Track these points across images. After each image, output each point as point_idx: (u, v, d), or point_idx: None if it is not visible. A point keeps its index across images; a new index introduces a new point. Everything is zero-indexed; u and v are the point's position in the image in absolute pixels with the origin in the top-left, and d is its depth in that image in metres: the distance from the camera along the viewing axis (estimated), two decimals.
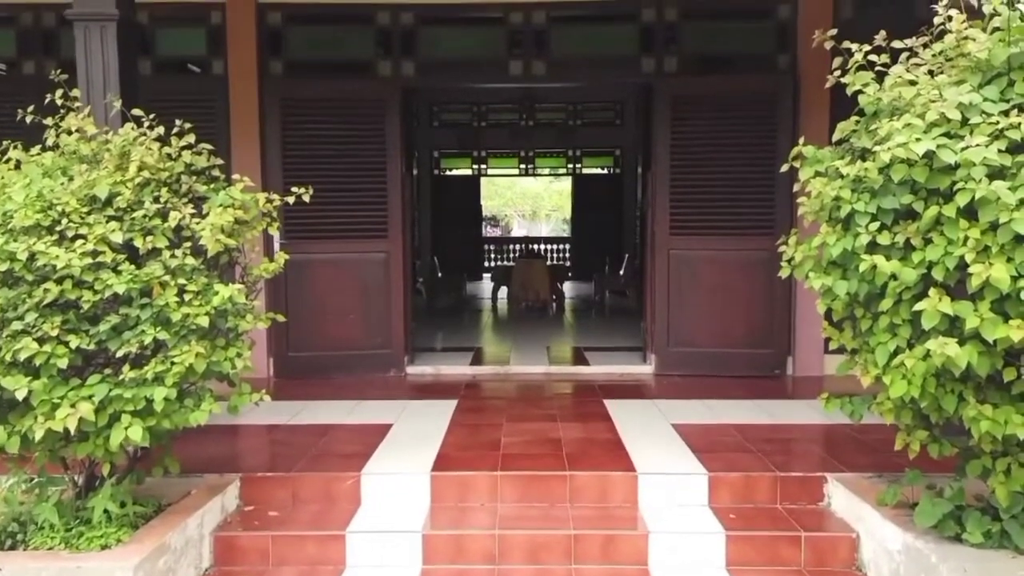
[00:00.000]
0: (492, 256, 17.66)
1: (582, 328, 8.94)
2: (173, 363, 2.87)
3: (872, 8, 5.80)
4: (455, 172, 16.70)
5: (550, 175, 17.28)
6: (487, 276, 14.77)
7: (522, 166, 16.71)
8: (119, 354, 2.90)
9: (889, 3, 5.64)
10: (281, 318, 3.70)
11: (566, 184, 18.92)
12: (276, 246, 5.86)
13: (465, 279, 11.50)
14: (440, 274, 11.46)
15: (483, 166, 16.63)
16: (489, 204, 20.26)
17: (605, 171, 16.62)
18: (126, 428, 2.81)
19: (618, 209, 16.25)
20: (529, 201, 30.22)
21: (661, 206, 6.00)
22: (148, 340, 2.88)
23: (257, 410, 4.99)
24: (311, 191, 3.56)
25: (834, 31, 3.00)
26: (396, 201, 6.02)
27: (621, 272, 11.40)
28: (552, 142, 16.39)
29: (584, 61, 6.13)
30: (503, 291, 11.06)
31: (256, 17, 5.96)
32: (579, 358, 6.72)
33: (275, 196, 3.47)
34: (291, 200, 3.47)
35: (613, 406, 4.98)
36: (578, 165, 16.55)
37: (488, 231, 23.81)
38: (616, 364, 6.33)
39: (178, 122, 3.35)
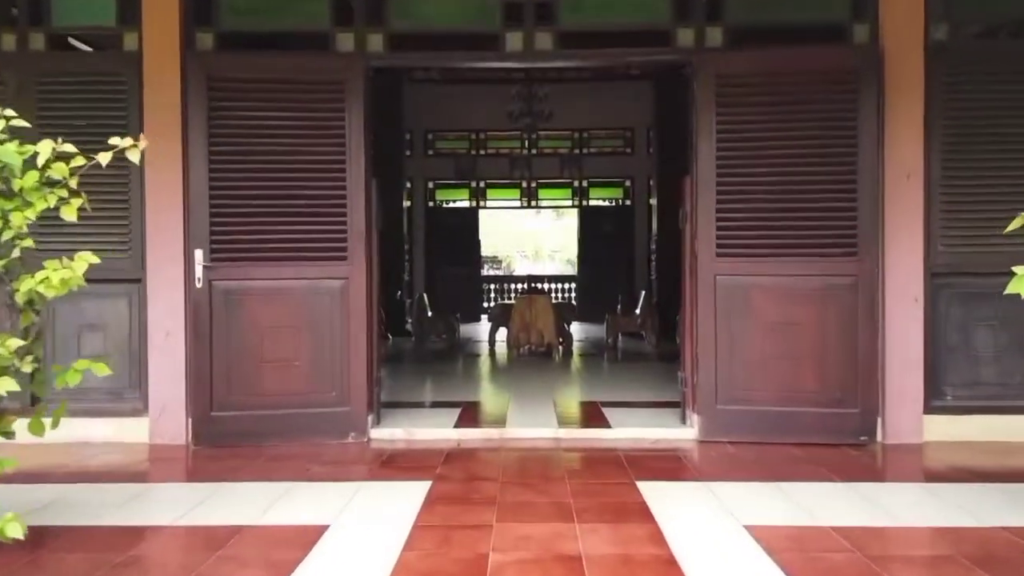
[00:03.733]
0: (492, 296, 16.26)
1: (595, 377, 7.45)
2: None
3: None
4: (452, 204, 15.40)
5: (554, 208, 15.94)
6: (486, 318, 13.34)
7: (524, 198, 15.41)
8: None
9: None
10: (102, 370, 2.23)
11: (569, 222, 17.64)
12: (198, 270, 4.44)
13: (458, 319, 10.05)
14: (430, 313, 10.02)
15: (482, 200, 15.33)
16: (489, 243, 18.96)
17: (614, 203, 15.31)
18: None
19: (628, 244, 14.91)
20: (530, 238, 28.97)
21: (705, 219, 4.58)
22: None
23: (147, 495, 3.53)
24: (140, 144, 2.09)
25: None
26: (358, 212, 4.61)
27: (637, 311, 9.96)
28: (556, 172, 15.13)
29: (602, 33, 4.79)
30: (502, 332, 9.60)
31: None
32: (596, 417, 5.22)
33: (71, 149, 2.03)
34: (105, 161, 2.01)
35: (652, 493, 3.49)
36: (585, 199, 15.25)
37: (488, 271, 22.48)
38: (645, 426, 4.83)
39: None
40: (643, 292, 10.18)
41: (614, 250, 14.98)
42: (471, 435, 4.73)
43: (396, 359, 8.92)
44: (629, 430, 4.74)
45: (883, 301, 4.52)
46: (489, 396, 6.30)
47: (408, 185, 14.68)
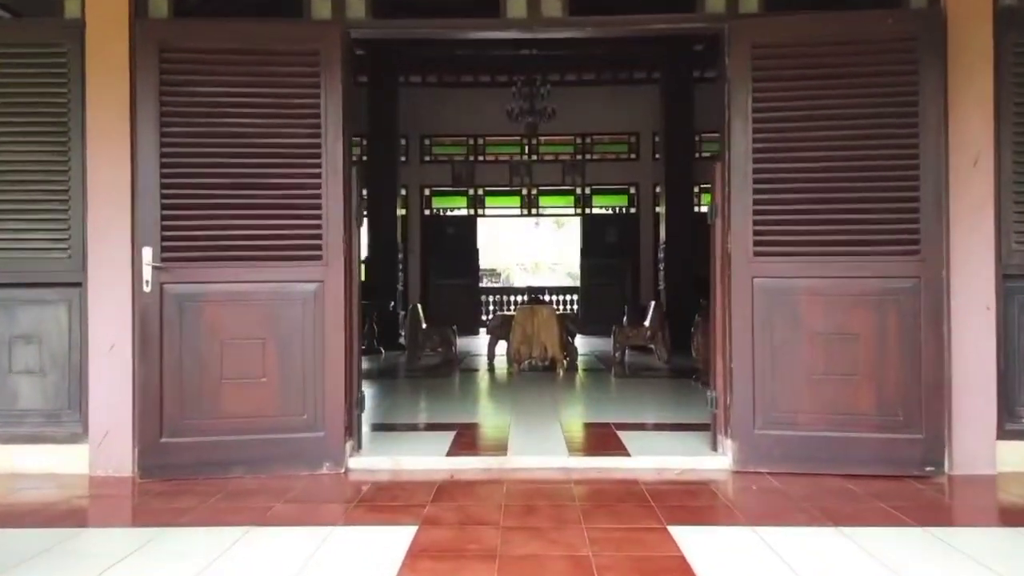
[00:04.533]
0: (490, 307, 15.60)
1: (604, 394, 6.77)
2: None
3: None
4: (449, 212, 14.77)
5: (555, 216, 15.32)
6: (484, 330, 12.64)
7: (524, 207, 14.79)
8: None
9: None
10: None
11: (568, 234, 17.01)
12: (146, 271, 3.77)
13: (454, 332, 9.37)
14: (425, 325, 9.34)
15: (480, 208, 14.71)
16: (488, 256, 18.31)
17: (618, 211, 14.68)
18: None
19: (633, 253, 14.28)
20: (529, 251, 28.34)
21: (739, 212, 3.93)
22: None
23: (70, 545, 2.86)
24: None
25: None
26: (335, 204, 3.95)
27: (646, 323, 9.29)
28: (558, 178, 14.51)
29: None
30: (502, 346, 8.91)
31: None
32: (610, 442, 4.53)
33: None
34: None
35: (690, 543, 2.81)
36: (588, 207, 14.62)
37: (486, 283, 21.79)
38: (670, 453, 4.15)
39: None
40: (652, 303, 9.51)
41: (618, 260, 14.34)
42: (467, 464, 4.04)
43: (387, 374, 8.24)
44: (651, 458, 4.06)
45: (948, 307, 3.86)
46: (488, 417, 5.62)
47: (403, 192, 14.06)
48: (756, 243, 3.91)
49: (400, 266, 11.72)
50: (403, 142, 14.08)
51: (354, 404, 4.11)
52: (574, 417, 5.51)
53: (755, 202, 3.91)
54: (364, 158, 12.91)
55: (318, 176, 3.93)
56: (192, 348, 3.87)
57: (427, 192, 14.63)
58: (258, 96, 3.90)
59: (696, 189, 12.44)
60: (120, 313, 3.92)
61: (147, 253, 3.83)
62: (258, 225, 3.90)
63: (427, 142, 14.54)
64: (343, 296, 3.96)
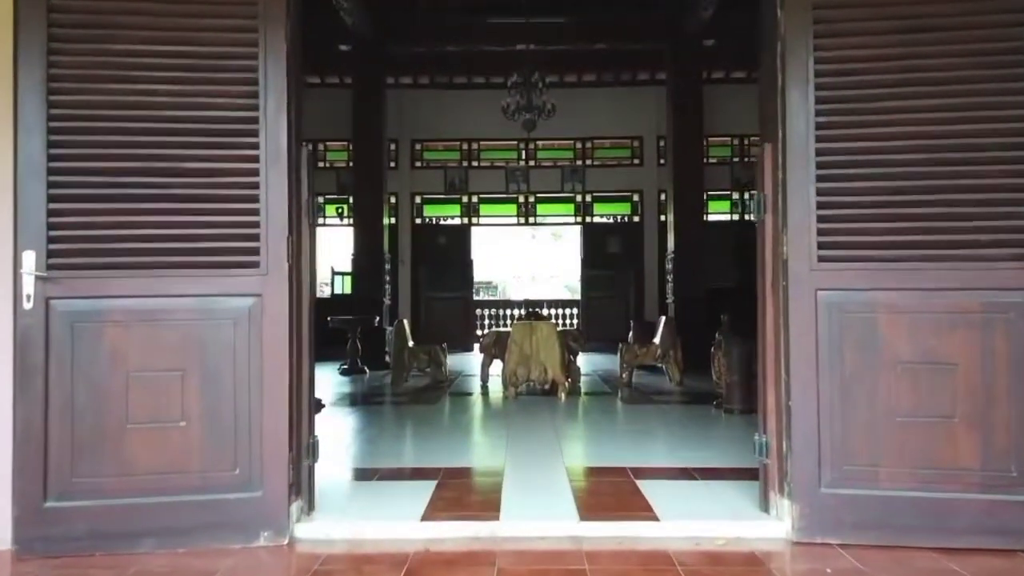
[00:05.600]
0: (485, 321, 14.70)
1: (613, 426, 5.86)
2: None
3: None
4: (441, 221, 13.92)
5: (553, 225, 14.46)
6: (478, 348, 11.71)
7: (521, 215, 13.94)
8: None
9: None
10: None
11: (567, 245, 16.16)
12: (27, 282, 2.87)
13: (444, 351, 8.46)
14: (412, 343, 8.44)
15: (474, 217, 13.85)
16: (482, 268, 17.45)
17: (621, 219, 13.83)
18: None
19: (637, 264, 13.41)
20: (525, 261, 27.48)
21: (798, 206, 3.04)
22: None
23: None
24: None
25: None
26: (278, 196, 3.06)
27: (656, 341, 8.40)
28: (557, 185, 13.66)
29: None
30: (497, 365, 8.00)
31: None
32: (630, 497, 3.61)
33: None
34: None
35: None
36: (589, 215, 13.77)
37: (481, 295, 20.90)
38: (708, 516, 3.24)
39: None
40: (663, 319, 8.62)
41: (621, 271, 13.48)
42: (447, 533, 3.12)
43: (368, 400, 7.33)
44: (686, 524, 3.14)
45: None
46: (478, 457, 4.69)
47: (393, 200, 13.20)
48: (821, 246, 3.03)
49: (387, 278, 10.81)
50: (392, 147, 13.23)
51: (304, 453, 3.20)
52: (582, 457, 4.60)
53: (819, 192, 3.03)
54: (350, 163, 12.07)
55: (255, 160, 3.05)
56: (89, 383, 2.96)
57: (418, 200, 13.77)
58: (176, 57, 3.02)
59: (705, 196, 11.63)
60: None
61: (29, 259, 2.92)
62: (176, 223, 3.01)
63: (418, 147, 13.70)
64: (288, 314, 3.07)
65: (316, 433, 3.33)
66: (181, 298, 3.02)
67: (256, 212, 3.04)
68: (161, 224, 3.00)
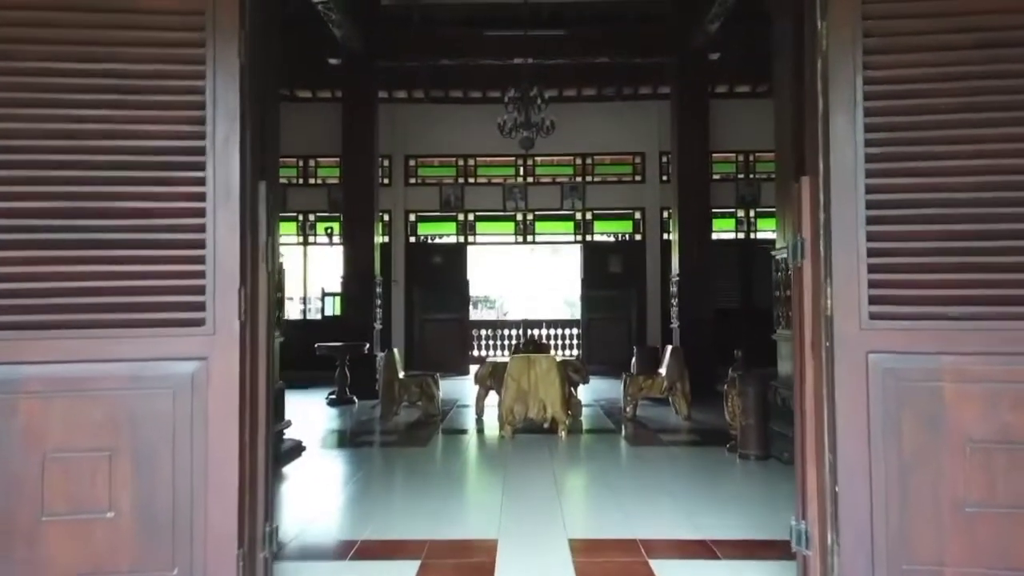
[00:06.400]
0: (482, 342, 14.19)
1: (620, 477, 5.34)
2: None
3: None
4: (436, 240, 13.46)
5: (552, 243, 14.00)
6: (473, 378, 11.15)
7: (519, 233, 13.48)
8: None
9: None
10: None
11: (567, 259, 15.68)
12: None
13: (437, 382, 7.97)
14: (403, 374, 7.94)
15: (471, 235, 13.40)
16: (478, 283, 16.98)
17: (622, 238, 13.37)
18: None
19: (639, 285, 12.96)
20: (525, 274, 27.02)
21: (845, 251, 2.56)
22: None
23: None
24: None
25: None
26: (228, 242, 2.57)
27: (662, 371, 7.92)
28: (556, 203, 13.21)
29: None
30: (493, 396, 7.50)
31: None
32: None
33: None
34: None
35: None
36: (589, 234, 13.31)
37: (478, 308, 20.39)
38: None
39: None
40: (669, 348, 8.12)
41: (622, 291, 13.01)
42: None
43: (353, 439, 6.83)
44: None
45: None
46: (469, 524, 4.15)
47: (386, 218, 12.74)
48: (873, 300, 2.54)
49: (379, 302, 10.31)
50: (386, 163, 12.78)
51: (259, 545, 2.70)
52: (586, 524, 4.09)
53: (871, 236, 2.54)
54: (339, 180, 11.61)
55: (200, 199, 2.56)
56: None
57: (412, 217, 13.31)
58: (107, 77, 2.54)
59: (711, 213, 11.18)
60: None
61: None
62: (105, 274, 2.52)
63: (412, 163, 13.26)
64: (238, 381, 2.57)
65: (276, 521, 2.83)
66: (111, 363, 2.52)
67: (201, 260, 2.55)
68: (87, 275, 2.51)
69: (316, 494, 4.79)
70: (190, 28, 2.58)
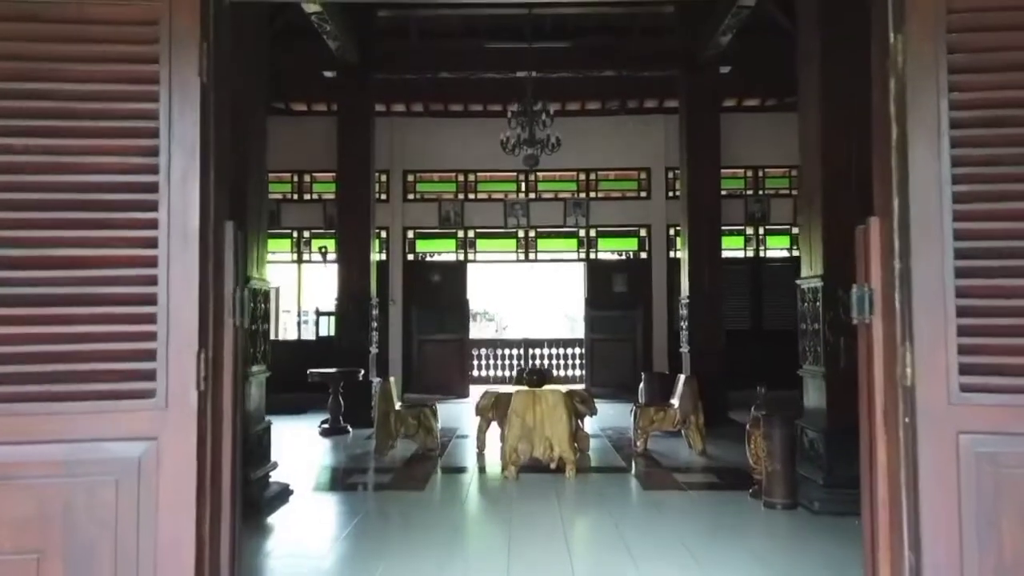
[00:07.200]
0: (483, 363, 13.76)
1: (635, 529, 4.88)
2: None
3: None
4: (435, 258, 13.06)
5: (555, 261, 13.59)
6: (475, 391, 10.66)
7: (520, 250, 13.08)
8: None
9: None
10: None
11: (570, 273, 15.28)
12: None
13: (435, 412, 7.52)
14: (399, 406, 7.49)
15: (471, 252, 12.99)
16: (477, 300, 16.57)
17: (627, 256, 12.98)
18: None
19: (646, 305, 12.55)
20: (525, 289, 26.63)
21: (928, 307, 2.12)
22: None
23: None
24: None
25: None
26: (185, 297, 2.13)
27: (674, 402, 7.47)
28: (559, 219, 12.82)
29: None
30: (495, 428, 7.05)
31: None
32: None
33: None
34: None
35: None
36: (593, 251, 12.91)
37: (479, 322, 19.96)
38: None
39: None
40: (681, 377, 7.68)
41: (628, 311, 12.59)
42: None
43: (344, 479, 6.38)
44: None
45: None
46: None
47: (383, 235, 12.32)
48: (965, 369, 2.10)
49: (375, 324, 9.87)
50: (383, 178, 12.38)
51: None
52: None
53: (960, 292, 2.11)
54: (335, 195, 11.20)
55: (151, 244, 2.12)
56: None
57: (411, 234, 12.92)
58: (42, 99, 2.11)
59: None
60: None
61: None
62: (35, 336, 2.07)
63: (411, 178, 12.88)
64: (195, 464, 2.12)
65: None
66: (39, 445, 2.07)
67: (151, 319, 2.11)
68: (13, 338, 2.07)
69: (303, 553, 4.33)
70: (140, 40, 2.14)
